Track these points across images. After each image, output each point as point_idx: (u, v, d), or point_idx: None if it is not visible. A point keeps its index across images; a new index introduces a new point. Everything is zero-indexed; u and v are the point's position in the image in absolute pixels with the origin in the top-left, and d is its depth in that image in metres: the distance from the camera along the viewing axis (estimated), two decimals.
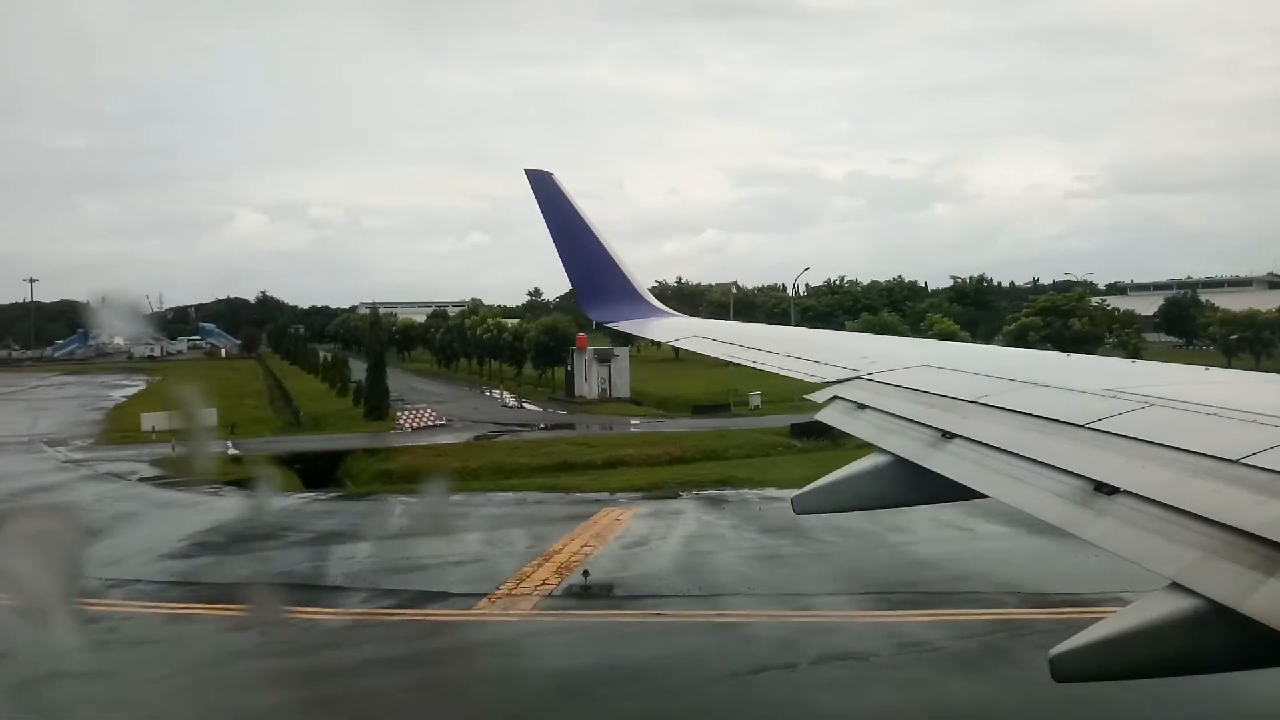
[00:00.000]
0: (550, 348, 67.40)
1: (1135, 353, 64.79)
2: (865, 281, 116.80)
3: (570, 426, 48.23)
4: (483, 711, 13.39)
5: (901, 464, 5.84)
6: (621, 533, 23.75)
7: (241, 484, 30.93)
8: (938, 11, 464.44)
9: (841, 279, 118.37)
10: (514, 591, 18.44)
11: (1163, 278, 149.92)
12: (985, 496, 4.89)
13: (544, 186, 15.36)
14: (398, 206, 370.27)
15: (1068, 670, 3.37)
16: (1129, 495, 3.87)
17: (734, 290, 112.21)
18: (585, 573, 19.37)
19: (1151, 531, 3.59)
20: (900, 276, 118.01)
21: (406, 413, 49.78)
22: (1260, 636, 2.87)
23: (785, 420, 42.70)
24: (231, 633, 16.92)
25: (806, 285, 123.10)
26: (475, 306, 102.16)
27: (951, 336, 67.78)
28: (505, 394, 64.03)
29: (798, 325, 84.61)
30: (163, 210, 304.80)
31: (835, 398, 7.60)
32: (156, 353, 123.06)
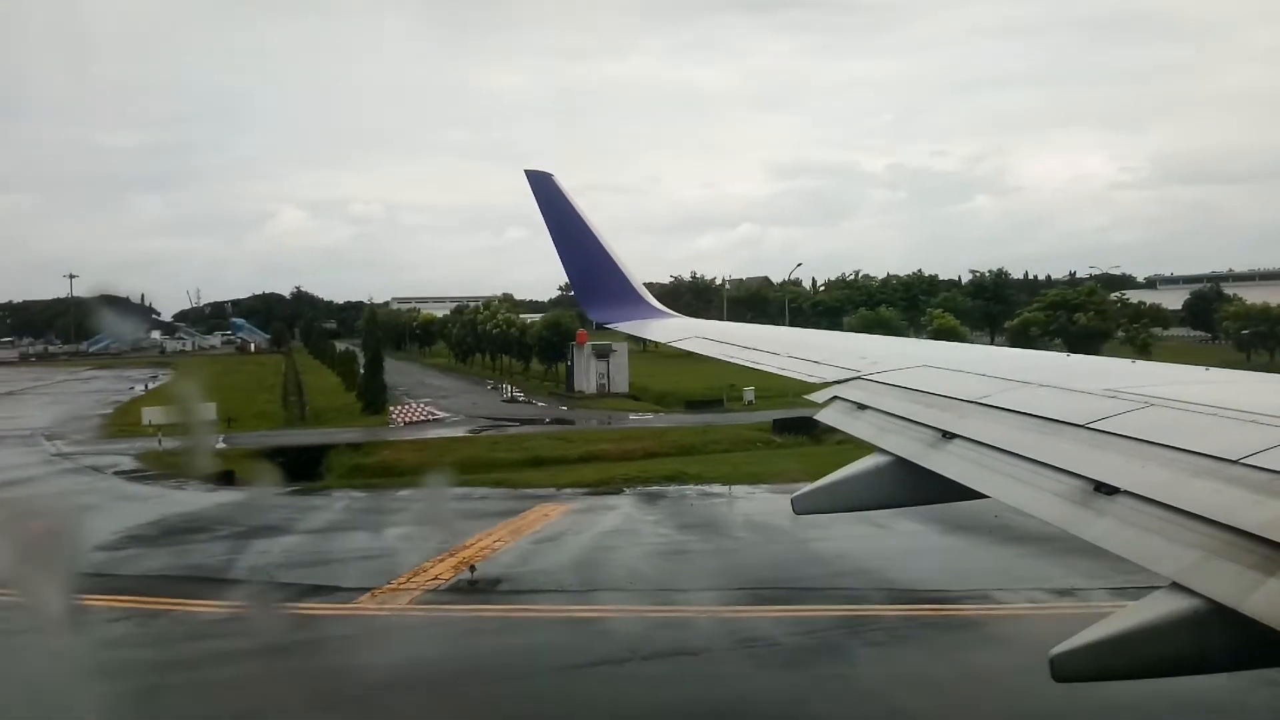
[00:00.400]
0: (553, 343, 67.30)
1: (1144, 349, 64.23)
2: (903, 275, 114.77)
3: (562, 422, 48.01)
4: (304, 701, 13.59)
5: (901, 464, 5.84)
6: (541, 529, 23.92)
7: (210, 478, 31.03)
8: (981, 1, 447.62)
9: (857, 273, 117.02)
10: (402, 586, 18.70)
11: (1205, 270, 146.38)
12: (985, 496, 4.89)
13: (544, 187, 15.36)
14: (436, 202, 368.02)
15: (1068, 670, 3.37)
16: (1129, 495, 3.88)
17: (726, 286, 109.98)
18: (472, 568, 19.56)
19: (1151, 531, 3.59)
20: (920, 270, 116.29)
21: (400, 408, 49.79)
22: (1260, 636, 2.87)
23: (777, 416, 42.72)
24: (110, 624, 17.05)
25: (828, 280, 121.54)
26: (488, 302, 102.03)
27: (952, 332, 67.23)
28: (511, 389, 64.06)
29: (800, 321, 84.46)
30: (209, 207, 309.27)
31: (835, 398, 7.61)
32: (189, 347, 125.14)
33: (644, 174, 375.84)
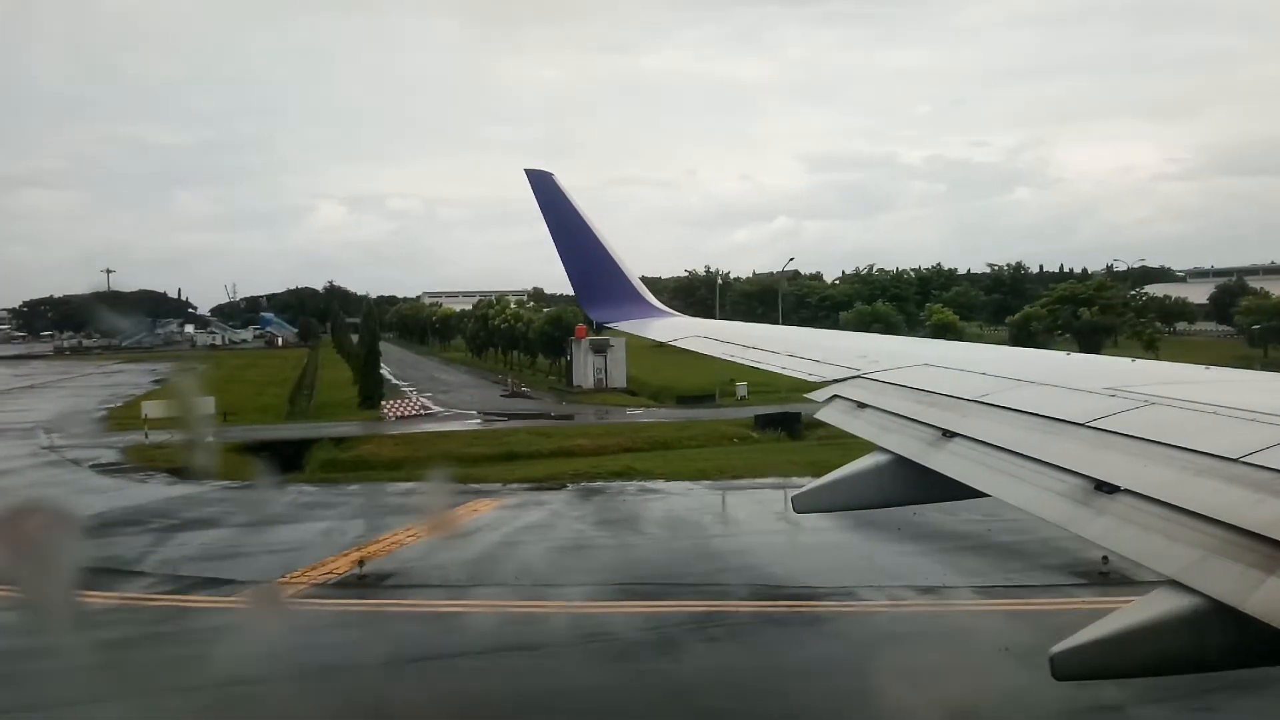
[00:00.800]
0: (555, 338, 67.45)
1: (1150, 344, 63.59)
2: (949, 268, 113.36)
3: (553, 417, 47.93)
4: (122, 690, 13.86)
5: (902, 463, 5.84)
6: (459, 525, 24.06)
7: (179, 472, 31.24)
8: None
9: (871, 266, 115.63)
10: (294, 580, 18.95)
11: (1248, 263, 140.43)
12: (986, 495, 4.89)
13: (544, 187, 15.37)
14: (473, 196, 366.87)
15: (1067, 668, 3.37)
16: (1130, 494, 3.88)
17: (718, 278, 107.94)
18: (361, 564, 19.82)
19: (1152, 530, 3.59)
20: (939, 264, 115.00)
21: (392, 402, 50.01)
22: (1261, 635, 2.87)
23: (760, 411, 42.95)
24: None
25: (842, 273, 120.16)
26: (500, 296, 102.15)
27: (949, 328, 66.84)
28: (513, 383, 64.35)
29: (804, 315, 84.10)
30: (251, 202, 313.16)
31: (835, 397, 7.61)
32: (219, 341, 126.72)
33: (681, 167, 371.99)
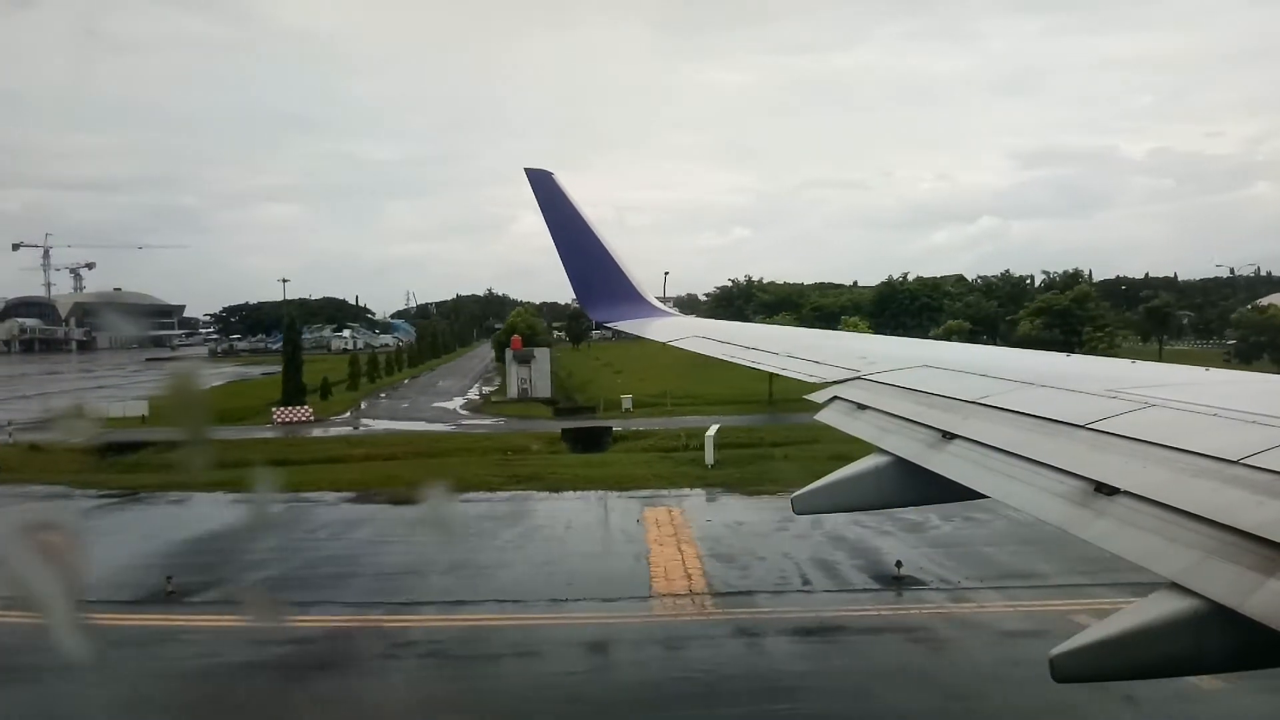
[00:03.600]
0: (505, 345, 69.49)
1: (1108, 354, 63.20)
2: (1169, 273, 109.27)
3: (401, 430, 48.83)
4: None
5: (902, 464, 5.84)
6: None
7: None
8: None
9: (905, 275, 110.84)
10: None
11: None
12: (985, 497, 4.89)
13: (544, 186, 15.35)
14: (661, 202, 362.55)
15: (1067, 671, 3.36)
16: (1129, 496, 3.87)
17: (729, 284, 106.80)
18: None
19: (1151, 532, 3.59)
20: (1009, 270, 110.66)
21: (282, 409, 51.46)
22: (1260, 637, 2.87)
23: (647, 424, 44.42)
24: None
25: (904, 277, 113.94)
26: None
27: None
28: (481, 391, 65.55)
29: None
30: (456, 213, 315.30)
31: (835, 398, 7.61)
32: (350, 345, 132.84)
33: (872, 168, 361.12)
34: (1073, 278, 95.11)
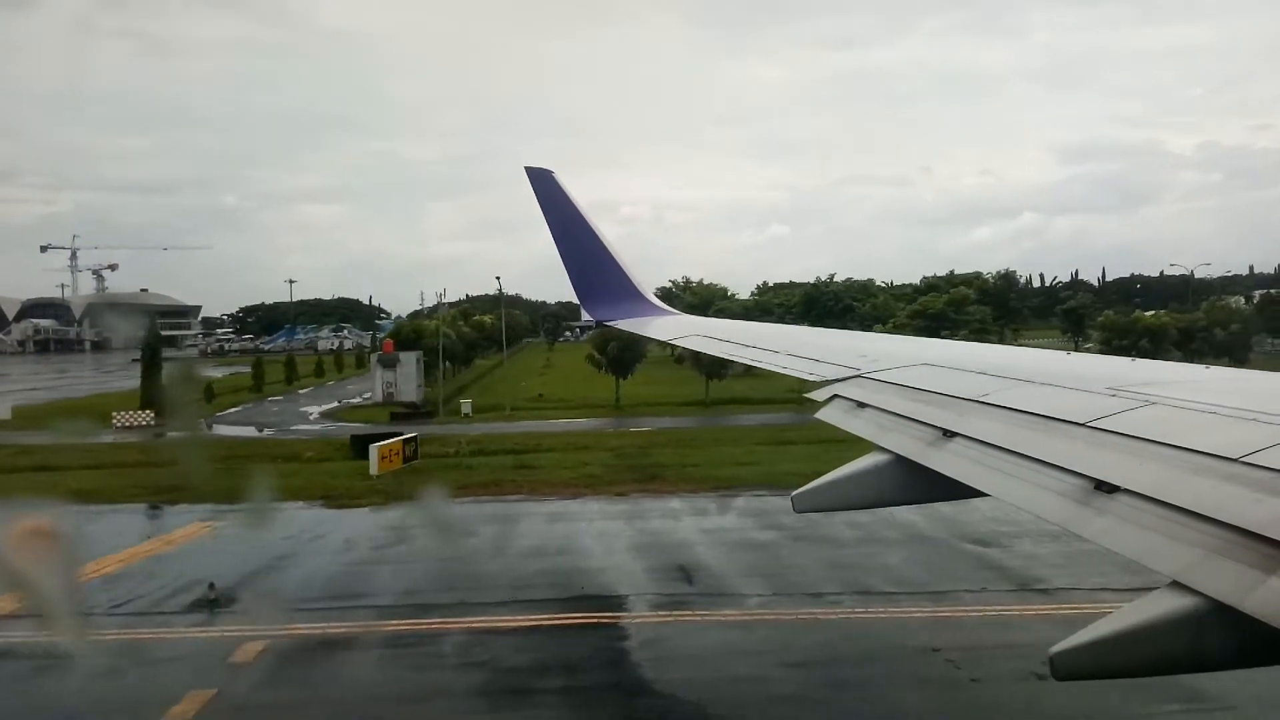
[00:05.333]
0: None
1: None
2: (1224, 271, 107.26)
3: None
4: None
5: (901, 462, 5.84)
6: None
7: None
8: None
9: (832, 276, 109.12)
10: None
11: None
12: (985, 495, 4.89)
13: (544, 185, 15.36)
14: (700, 200, 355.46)
15: (1067, 668, 3.37)
16: (1129, 494, 3.88)
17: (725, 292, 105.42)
18: None
19: (1151, 530, 3.59)
20: (1015, 272, 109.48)
21: (123, 413, 51.71)
22: (1260, 634, 2.87)
23: (464, 429, 43.92)
24: None
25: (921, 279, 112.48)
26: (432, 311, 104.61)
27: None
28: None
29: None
30: (494, 212, 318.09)
31: (835, 396, 7.61)
32: (335, 346, 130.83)
33: (913, 163, 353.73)
34: (967, 281, 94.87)
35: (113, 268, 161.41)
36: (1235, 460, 3.70)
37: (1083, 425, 4.77)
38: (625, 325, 16.24)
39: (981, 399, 5.95)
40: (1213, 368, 6.36)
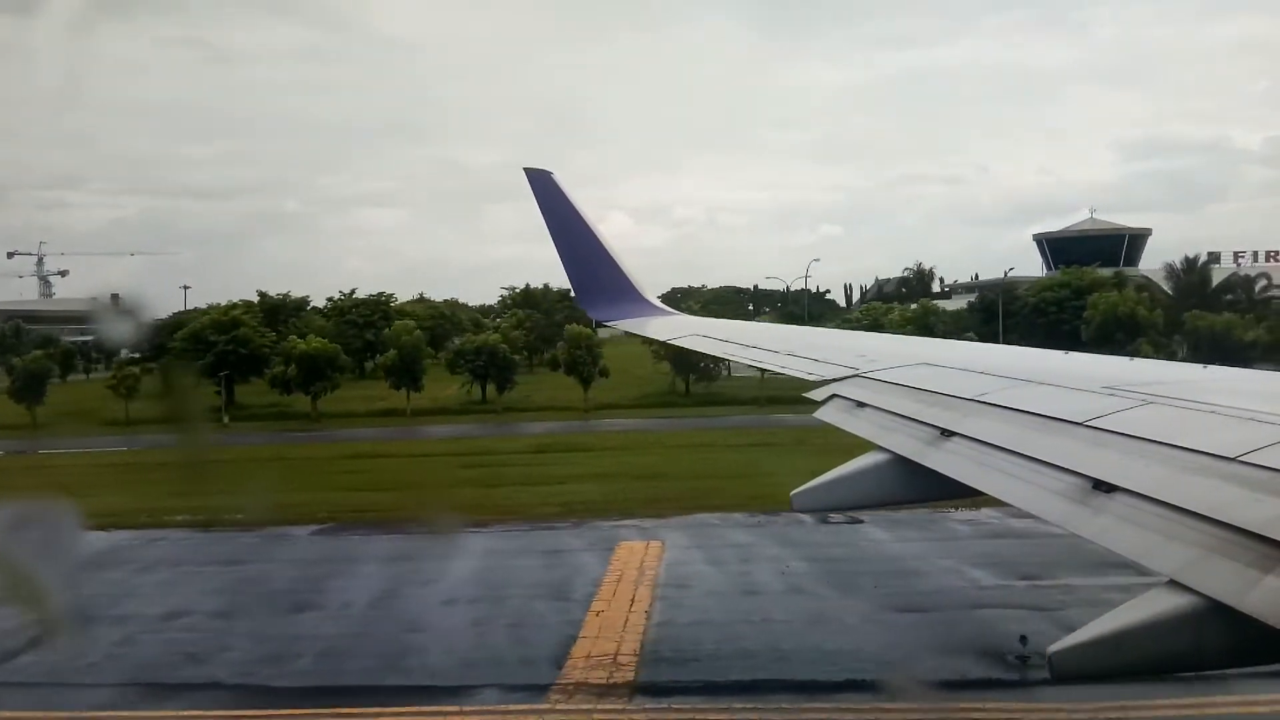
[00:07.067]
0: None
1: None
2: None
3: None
4: None
5: (900, 462, 5.84)
6: None
7: None
8: None
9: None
10: None
11: None
12: (983, 494, 4.90)
13: (543, 186, 15.35)
14: (753, 202, 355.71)
15: (1065, 668, 3.37)
16: (1127, 493, 3.88)
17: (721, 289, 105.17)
18: None
19: (1149, 529, 3.59)
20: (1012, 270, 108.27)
21: None
22: (1259, 634, 2.87)
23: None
24: None
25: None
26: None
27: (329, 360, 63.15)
28: None
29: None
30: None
31: (834, 396, 7.62)
32: None
33: (970, 162, 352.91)
34: (903, 280, 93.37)
35: (63, 274, 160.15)
36: (1233, 459, 3.71)
37: (1080, 425, 4.77)
38: (625, 325, 16.24)
39: (980, 398, 5.96)
40: (1211, 367, 6.36)
